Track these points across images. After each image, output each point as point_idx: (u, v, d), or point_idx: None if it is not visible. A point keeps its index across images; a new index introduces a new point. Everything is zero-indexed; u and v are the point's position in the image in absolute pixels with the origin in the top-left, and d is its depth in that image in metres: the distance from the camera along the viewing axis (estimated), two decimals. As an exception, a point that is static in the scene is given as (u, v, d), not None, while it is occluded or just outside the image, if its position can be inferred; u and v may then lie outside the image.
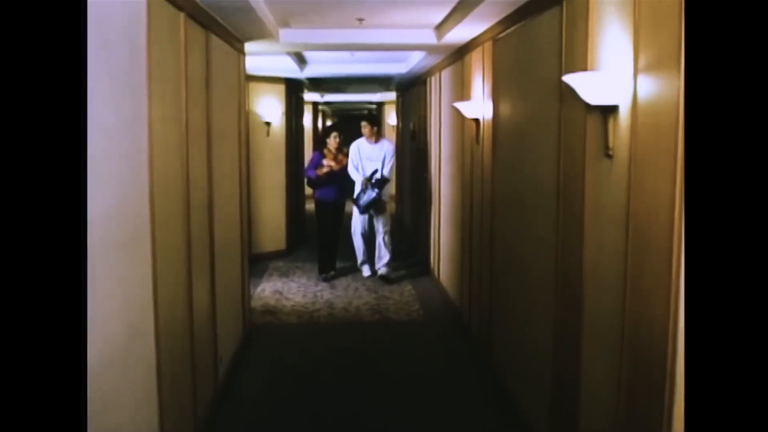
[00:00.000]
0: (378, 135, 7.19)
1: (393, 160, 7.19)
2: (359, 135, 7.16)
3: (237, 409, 3.95)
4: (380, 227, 7.17)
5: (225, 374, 4.13)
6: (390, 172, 7.08)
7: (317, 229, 7.30)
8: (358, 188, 7.04)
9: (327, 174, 6.94)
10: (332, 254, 7.32)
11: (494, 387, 4.16)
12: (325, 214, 7.20)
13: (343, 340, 5.22)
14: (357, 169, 7.05)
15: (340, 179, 7.05)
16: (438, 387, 4.31)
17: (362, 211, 7.08)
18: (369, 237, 7.35)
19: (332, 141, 7.06)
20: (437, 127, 6.84)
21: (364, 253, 7.38)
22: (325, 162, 6.97)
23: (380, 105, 15.20)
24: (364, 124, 7.14)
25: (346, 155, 7.12)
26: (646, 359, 2.05)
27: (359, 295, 6.54)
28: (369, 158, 7.04)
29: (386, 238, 7.19)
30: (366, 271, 7.33)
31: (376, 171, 6.97)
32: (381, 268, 7.19)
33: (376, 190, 6.92)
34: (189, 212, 3.16)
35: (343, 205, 7.29)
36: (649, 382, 2.03)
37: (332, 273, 7.27)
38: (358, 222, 7.28)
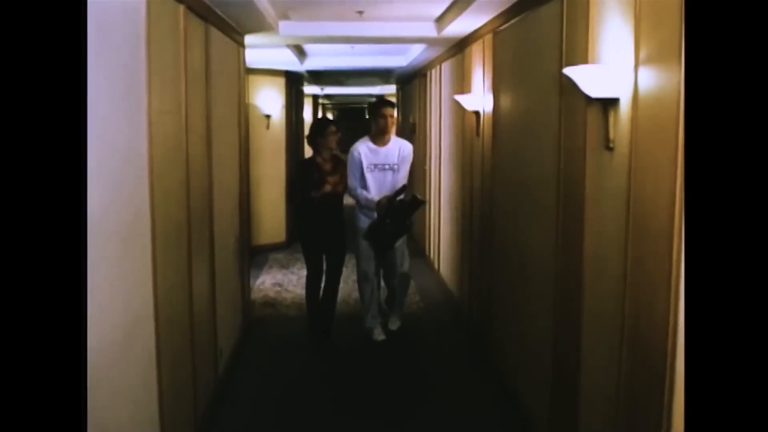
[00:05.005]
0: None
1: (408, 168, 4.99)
2: (359, 136, 5.02)
3: (237, 401, 3.96)
4: (400, 266, 5.01)
5: (225, 366, 4.14)
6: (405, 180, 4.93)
7: (306, 270, 5.05)
8: (361, 215, 4.88)
9: (324, 196, 4.74)
10: (329, 311, 5.06)
11: (494, 378, 4.16)
12: (316, 248, 4.93)
13: (343, 332, 5.22)
14: (366, 188, 4.82)
15: (339, 201, 4.92)
16: (438, 378, 4.32)
17: (384, 247, 4.80)
18: (379, 278, 5.17)
19: (331, 139, 4.80)
20: (437, 119, 6.83)
21: (376, 309, 5.09)
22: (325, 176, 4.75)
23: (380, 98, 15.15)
24: (389, 111, 4.83)
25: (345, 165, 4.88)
26: (647, 350, 2.06)
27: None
28: (379, 168, 4.83)
29: (407, 282, 5.26)
30: (379, 334, 5.04)
31: (404, 188, 4.77)
32: (394, 316, 5.26)
33: (401, 216, 4.73)
34: (189, 204, 3.16)
35: (343, 236, 4.99)
36: (649, 373, 2.04)
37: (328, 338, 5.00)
38: (370, 263, 4.96)
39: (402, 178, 4.87)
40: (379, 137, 4.84)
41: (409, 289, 5.37)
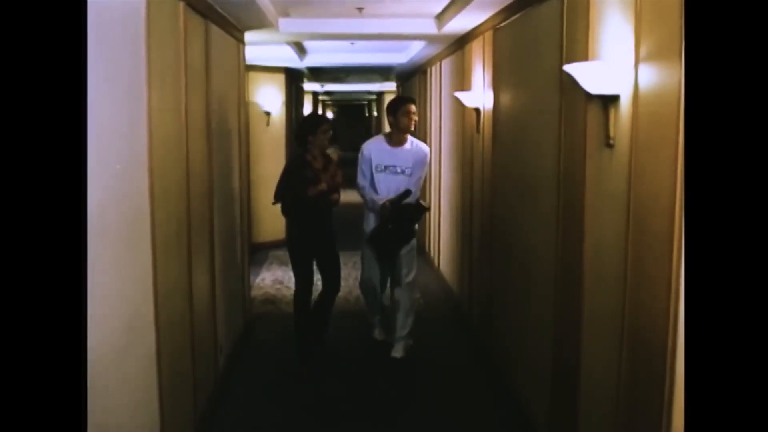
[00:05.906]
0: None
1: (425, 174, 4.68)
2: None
3: (237, 399, 3.96)
4: (404, 276, 4.58)
5: (225, 364, 4.14)
6: (419, 188, 4.58)
7: (295, 280, 4.64)
8: (368, 218, 4.64)
9: (318, 194, 4.34)
10: (324, 319, 4.71)
11: (494, 376, 4.16)
12: (307, 251, 4.56)
13: (343, 330, 5.22)
14: (375, 189, 4.54)
15: (330, 201, 4.49)
16: (438, 375, 4.33)
17: (385, 252, 4.56)
18: (383, 287, 4.90)
19: (323, 138, 4.42)
20: (438, 116, 6.83)
21: (378, 310, 4.95)
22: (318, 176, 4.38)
23: (380, 95, 15.16)
24: (413, 108, 4.48)
25: (339, 166, 4.59)
26: (647, 350, 2.05)
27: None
28: (390, 170, 4.51)
29: (412, 296, 4.70)
30: (379, 334, 4.95)
31: (407, 192, 4.38)
32: (398, 342, 4.62)
33: (404, 220, 4.47)
34: (189, 202, 3.16)
35: (334, 240, 4.65)
36: (649, 373, 2.03)
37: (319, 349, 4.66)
38: (374, 269, 4.72)
39: (414, 184, 4.48)
40: (396, 137, 4.51)
41: (413, 303, 4.70)
